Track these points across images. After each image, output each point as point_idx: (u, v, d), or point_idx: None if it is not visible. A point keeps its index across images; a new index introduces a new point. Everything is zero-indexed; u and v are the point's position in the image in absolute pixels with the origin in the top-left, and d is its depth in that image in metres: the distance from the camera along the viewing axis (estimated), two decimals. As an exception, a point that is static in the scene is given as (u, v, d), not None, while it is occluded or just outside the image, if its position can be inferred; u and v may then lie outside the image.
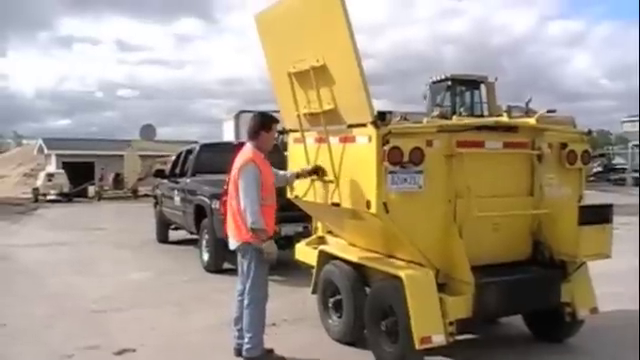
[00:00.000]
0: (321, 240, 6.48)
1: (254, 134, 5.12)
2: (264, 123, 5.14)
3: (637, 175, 33.48)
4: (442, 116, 5.73)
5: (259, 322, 5.06)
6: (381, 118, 4.57)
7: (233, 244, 5.17)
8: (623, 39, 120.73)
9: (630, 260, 8.51)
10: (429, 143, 4.69)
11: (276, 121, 5.29)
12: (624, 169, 35.95)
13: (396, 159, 4.47)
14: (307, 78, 5.14)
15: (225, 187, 5.33)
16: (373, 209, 4.59)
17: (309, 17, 4.98)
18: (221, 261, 8.99)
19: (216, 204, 8.59)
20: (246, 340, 5.03)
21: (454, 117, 5.68)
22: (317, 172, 5.37)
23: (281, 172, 5.61)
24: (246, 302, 5.06)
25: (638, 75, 65.97)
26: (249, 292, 5.04)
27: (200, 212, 9.51)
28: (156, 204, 12.99)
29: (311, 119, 5.40)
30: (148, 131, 32.91)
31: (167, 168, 13.66)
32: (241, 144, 5.53)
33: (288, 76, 5.41)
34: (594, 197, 10.91)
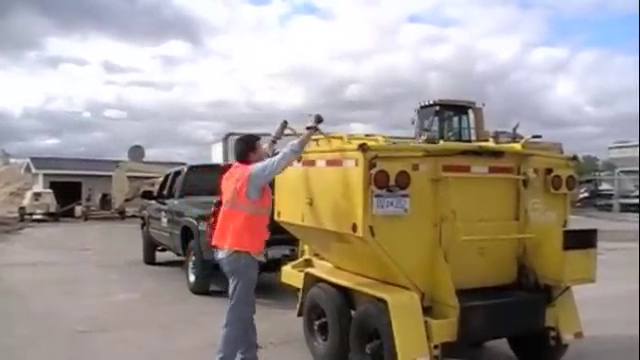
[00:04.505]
0: (307, 263, 6.48)
1: (243, 158, 5.15)
2: (249, 145, 5.19)
3: (624, 201, 33.81)
4: (430, 141, 5.77)
5: (235, 343, 4.94)
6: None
7: (222, 253, 4.99)
8: (607, 66, 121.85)
9: (617, 285, 8.55)
10: (415, 167, 4.73)
11: (258, 139, 5.34)
12: (611, 195, 36.23)
13: (382, 183, 4.50)
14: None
15: (214, 208, 5.28)
16: (359, 232, 4.61)
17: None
18: (207, 283, 8.95)
19: (203, 226, 8.58)
20: None
21: (441, 142, 5.73)
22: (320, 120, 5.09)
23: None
24: (225, 321, 4.92)
25: (638, 100, 66.36)
26: (231, 309, 4.91)
27: (187, 234, 9.46)
28: (143, 225, 12.93)
29: None
30: (136, 152, 32.95)
31: (155, 189, 13.63)
32: (229, 166, 5.55)
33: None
34: (581, 223, 10.96)
